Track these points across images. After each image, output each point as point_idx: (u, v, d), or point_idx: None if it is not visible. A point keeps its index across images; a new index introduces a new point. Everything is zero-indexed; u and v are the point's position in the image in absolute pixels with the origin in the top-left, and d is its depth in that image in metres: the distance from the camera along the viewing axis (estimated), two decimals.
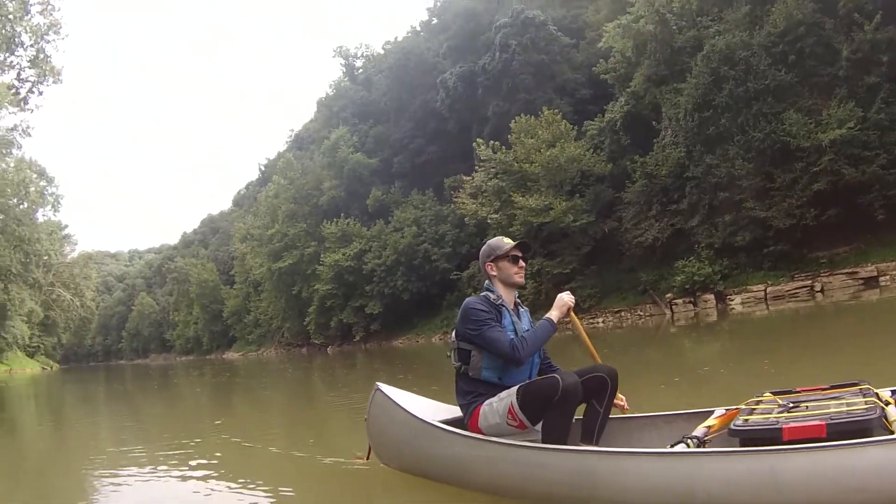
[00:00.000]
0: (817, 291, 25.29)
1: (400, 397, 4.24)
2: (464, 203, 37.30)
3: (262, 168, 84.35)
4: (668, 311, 29.09)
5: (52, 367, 66.29)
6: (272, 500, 4.33)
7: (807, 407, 3.01)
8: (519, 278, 3.91)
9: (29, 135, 47.70)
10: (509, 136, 35.06)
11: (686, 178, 29.38)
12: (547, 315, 3.77)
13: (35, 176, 57.65)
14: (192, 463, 5.66)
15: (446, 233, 43.75)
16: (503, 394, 3.66)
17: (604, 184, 33.32)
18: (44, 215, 60.89)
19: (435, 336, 42.24)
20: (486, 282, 3.96)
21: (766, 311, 22.49)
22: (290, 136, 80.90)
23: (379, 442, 4.38)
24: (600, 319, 31.33)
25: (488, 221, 34.65)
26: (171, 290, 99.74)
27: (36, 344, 65.02)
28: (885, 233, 24.89)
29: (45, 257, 60.99)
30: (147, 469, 5.64)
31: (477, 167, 36.74)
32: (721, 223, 28.40)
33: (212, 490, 4.65)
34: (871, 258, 25.04)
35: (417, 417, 3.97)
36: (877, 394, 3.10)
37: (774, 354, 10.07)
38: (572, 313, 3.85)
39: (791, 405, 3.05)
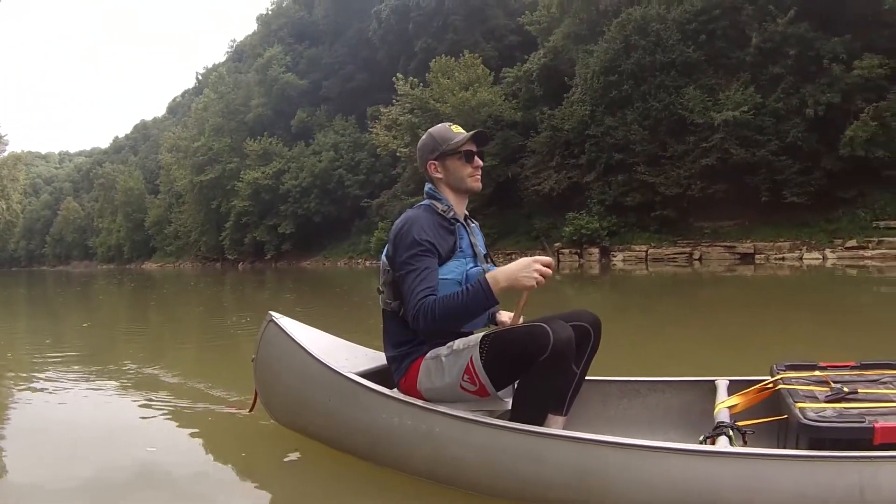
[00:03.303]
0: (695, 259, 26.77)
1: (302, 334, 3.19)
2: (377, 134, 38.02)
3: (199, 76, 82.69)
4: (554, 260, 30.44)
5: None
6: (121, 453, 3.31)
7: (866, 394, 2.38)
8: (474, 182, 2.82)
9: None
10: (427, 75, 35.83)
11: (587, 135, 30.55)
12: (490, 274, 2.52)
13: None
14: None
15: (362, 160, 44.50)
16: (458, 343, 2.62)
17: (513, 130, 34.32)
18: None
19: (341, 260, 43.42)
20: (428, 185, 2.88)
21: (646, 270, 23.40)
22: (232, 46, 79.42)
23: (270, 392, 3.33)
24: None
25: (397, 154, 35.56)
26: (98, 196, 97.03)
27: None
28: (768, 214, 26.46)
29: None
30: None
31: (395, 101, 37.38)
32: (614, 182, 29.77)
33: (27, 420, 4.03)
34: (752, 236, 26.64)
35: (326, 365, 2.94)
36: None
37: (660, 311, 10.42)
38: (525, 295, 2.58)
39: (846, 390, 2.37)
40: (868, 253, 23.48)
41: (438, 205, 2.77)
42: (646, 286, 17.14)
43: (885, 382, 2.51)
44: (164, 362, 5.91)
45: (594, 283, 18.72)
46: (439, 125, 2.92)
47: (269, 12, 64.97)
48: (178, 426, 3.81)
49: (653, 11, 29.59)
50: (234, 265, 53.50)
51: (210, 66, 79.01)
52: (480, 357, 2.51)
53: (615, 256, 29.02)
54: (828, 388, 2.44)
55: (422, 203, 2.82)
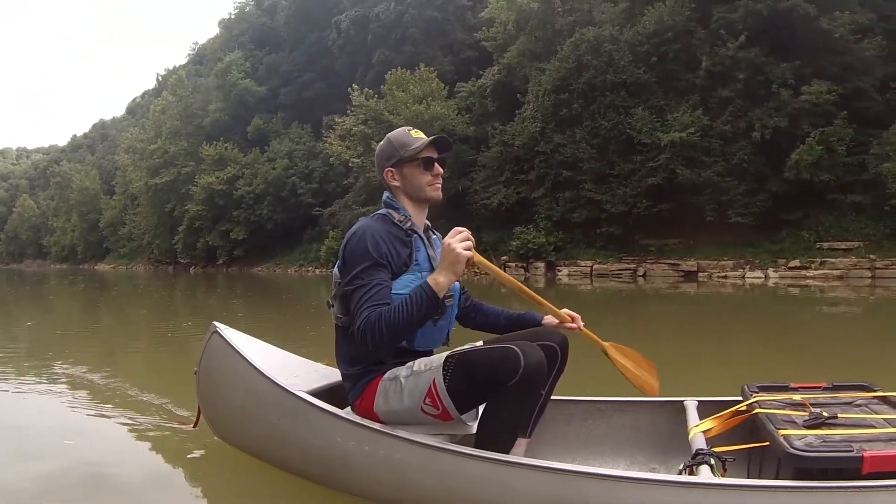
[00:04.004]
0: (640, 276, 27.28)
1: (248, 348, 2.99)
2: (331, 143, 38.10)
3: (160, 78, 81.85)
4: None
5: None
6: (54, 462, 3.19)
7: (846, 419, 2.32)
8: (433, 191, 2.67)
9: None
10: (382, 87, 36.01)
11: (537, 151, 30.84)
12: (430, 277, 2.39)
13: None
14: None
15: (316, 169, 44.40)
16: (419, 364, 2.49)
17: (465, 144, 34.52)
18: None
19: (291, 268, 43.45)
20: (385, 194, 2.73)
21: (591, 286, 23.72)
22: (194, 49, 78.79)
23: (214, 408, 3.14)
24: None
25: (350, 164, 35.69)
26: (54, 194, 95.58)
27: None
28: (713, 233, 26.89)
29: None
30: None
31: (349, 111, 37.50)
32: (562, 199, 30.08)
33: None
34: (696, 254, 27.05)
35: (275, 382, 2.75)
36: None
37: (606, 326, 10.15)
38: (478, 258, 2.46)
39: (825, 415, 2.30)
40: (810, 273, 23.96)
41: (395, 214, 2.63)
42: (591, 301, 17.35)
43: (859, 405, 2.48)
44: (102, 365, 5.73)
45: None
46: (398, 129, 2.76)
47: (232, 17, 64.74)
48: (102, 429, 3.67)
49: (606, 32, 30.03)
50: (187, 269, 53.14)
51: (171, 67, 78.36)
52: (444, 379, 2.39)
53: (560, 271, 29.35)
54: (806, 413, 2.37)
55: (378, 212, 2.67)
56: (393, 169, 2.64)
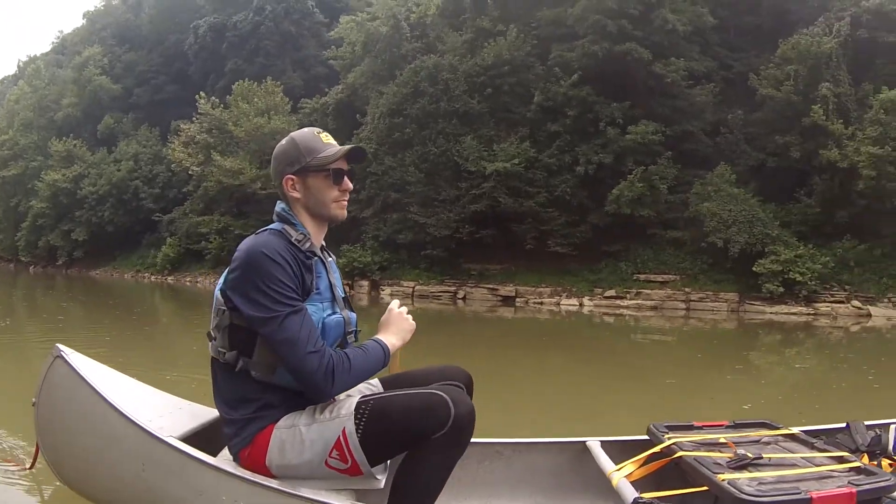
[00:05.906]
0: (459, 298, 28.24)
1: (101, 378, 2.45)
2: (174, 149, 37.90)
3: (21, 65, 78.25)
4: None
5: None
6: None
7: (769, 459, 2.30)
8: (339, 209, 2.34)
9: None
10: (228, 97, 36.22)
11: (369, 172, 31.38)
12: (381, 337, 2.29)
13: None
14: None
15: (160, 174, 43.68)
16: (322, 410, 2.17)
17: None
18: None
19: (128, 273, 42.58)
20: (280, 205, 2.33)
21: (412, 305, 24.47)
22: (58, 38, 75.64)
23: (58, 449, 2.53)
24: None
25: (190, 173, 35.59)
26: None
27: None
28: (532, 261, 28.06)
29: None
30: None
31: (195, 118, 37.49)
32: (389, 220, 30.88)
33: None
34: (515, 280, 28.19)
35: (139, 425, 2.26)
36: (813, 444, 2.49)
37: (424, 344, 10.93)
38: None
39: (750, 455, 2.27)
40: (624, 302, 25.24)
41: (292, 231, 2.21)
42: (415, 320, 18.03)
43: (766, 443, 2.47)
44: None
45: (365, 314, 19.76)
46: (305, 130, 2.36)
47: (98, 9, 62.80)
48: None
49: (446, 61, 31.10)
50: (27, 268, 51.55)
51: (33, 55, 75.05)
52: (356, 429, 2.07)
53: (384, 290, 30.08)
54: (729, 455, 2.32)
55: (271, 227, 2.25)
56: (295, 177, 2.27)
